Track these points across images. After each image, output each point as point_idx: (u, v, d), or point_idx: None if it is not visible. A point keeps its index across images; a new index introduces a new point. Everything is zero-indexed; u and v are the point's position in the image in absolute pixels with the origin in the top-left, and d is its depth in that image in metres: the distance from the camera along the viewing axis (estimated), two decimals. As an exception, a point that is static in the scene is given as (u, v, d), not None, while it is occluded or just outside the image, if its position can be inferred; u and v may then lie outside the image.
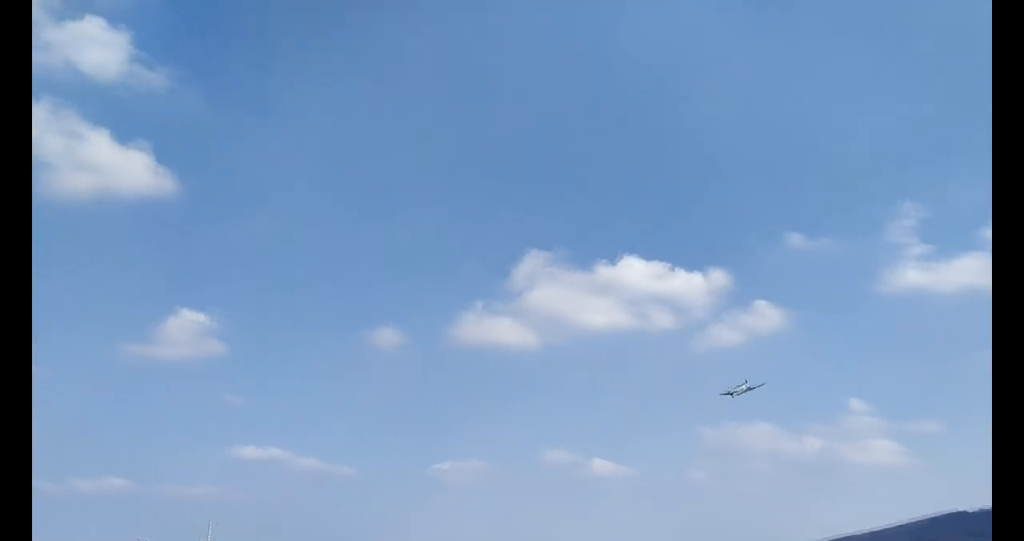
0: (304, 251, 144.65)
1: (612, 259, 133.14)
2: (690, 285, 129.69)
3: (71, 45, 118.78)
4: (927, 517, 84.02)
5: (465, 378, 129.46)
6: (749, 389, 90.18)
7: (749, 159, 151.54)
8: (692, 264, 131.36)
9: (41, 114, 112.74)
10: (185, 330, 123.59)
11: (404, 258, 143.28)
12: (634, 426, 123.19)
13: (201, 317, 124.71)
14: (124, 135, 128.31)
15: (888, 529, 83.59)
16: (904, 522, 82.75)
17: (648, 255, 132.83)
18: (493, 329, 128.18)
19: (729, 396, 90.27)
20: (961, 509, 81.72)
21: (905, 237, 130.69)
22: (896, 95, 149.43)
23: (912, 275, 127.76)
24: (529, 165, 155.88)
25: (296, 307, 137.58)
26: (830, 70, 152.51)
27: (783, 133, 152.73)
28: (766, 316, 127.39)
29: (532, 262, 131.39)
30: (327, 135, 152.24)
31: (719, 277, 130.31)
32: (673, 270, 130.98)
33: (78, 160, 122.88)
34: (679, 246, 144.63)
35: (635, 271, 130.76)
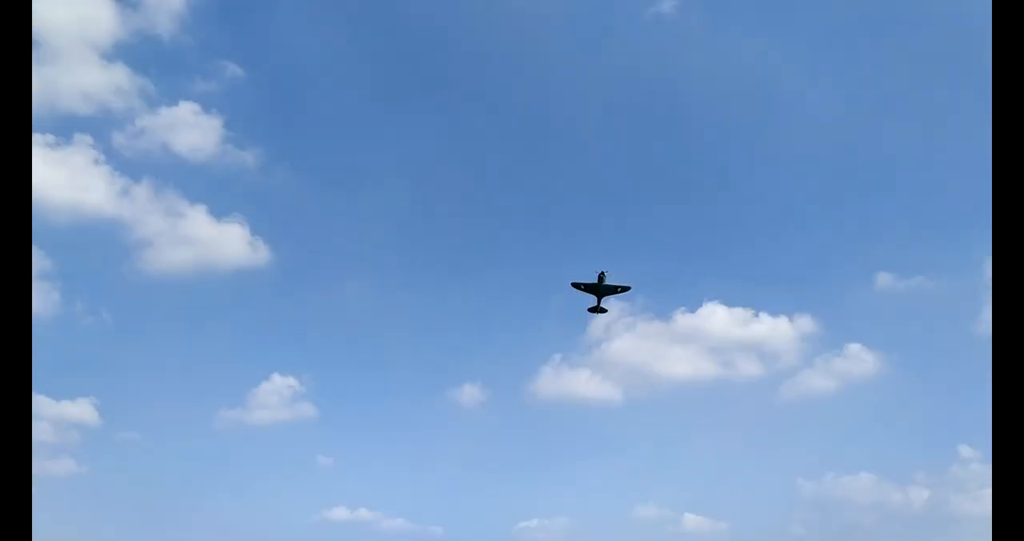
0: (389, 314, 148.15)
1: (692, 306, 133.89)
2: (776, 330, 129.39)
3: (167, 129, 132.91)
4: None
5: (547, 433, 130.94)
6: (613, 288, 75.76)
7: (830, 196, 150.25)
8: (776, 309, 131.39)
9: (142, 194, 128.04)
10: (277, 394, 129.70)
11: (483, 316, 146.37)
12: (726, 479, 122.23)
13: (292, 381, 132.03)
14: (220, 210, 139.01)
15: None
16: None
17: (730, 301, 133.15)
18: (573, 381, 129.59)
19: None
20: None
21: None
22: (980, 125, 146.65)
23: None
24: (600, 213, 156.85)
25: (382, 369, 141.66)
26: (914, 101, 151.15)
27: (864, 167, 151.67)
28: (861, 360, 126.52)
29: (608, 312, 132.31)
30: (407, 201, 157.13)
31: (805, 322, 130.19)
32: (757, 315, 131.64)
33: (178, 235, 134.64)
34: (761, 291, 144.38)
35: (717, 318, 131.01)
